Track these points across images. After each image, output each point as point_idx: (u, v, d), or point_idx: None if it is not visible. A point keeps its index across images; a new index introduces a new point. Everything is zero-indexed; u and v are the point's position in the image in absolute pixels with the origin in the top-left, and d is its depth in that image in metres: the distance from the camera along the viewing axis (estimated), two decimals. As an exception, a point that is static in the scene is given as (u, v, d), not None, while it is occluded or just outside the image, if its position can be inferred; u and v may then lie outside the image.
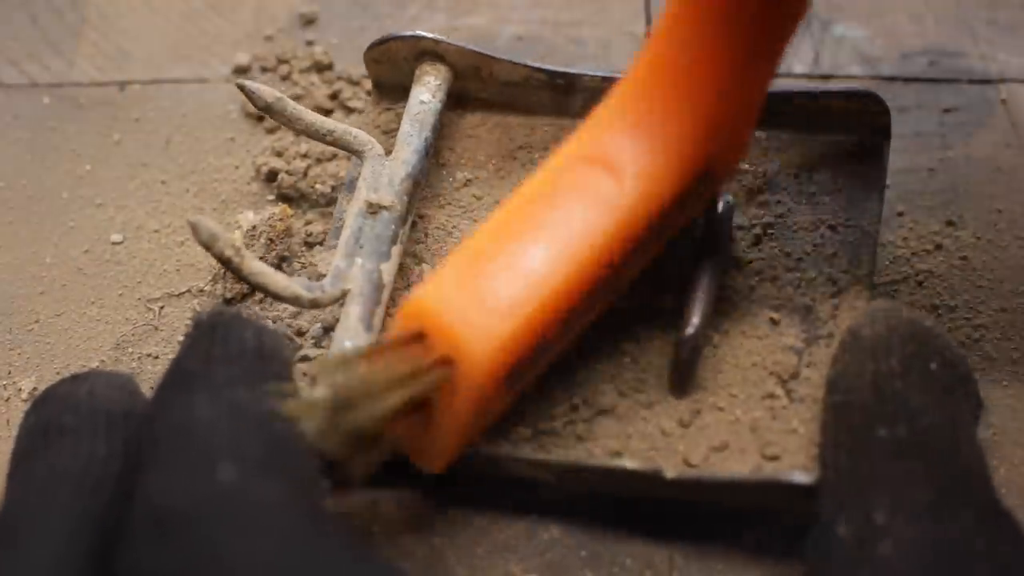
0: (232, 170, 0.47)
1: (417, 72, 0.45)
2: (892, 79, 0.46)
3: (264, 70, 0.50)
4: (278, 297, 0.39)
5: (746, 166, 0.43)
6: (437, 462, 0.36)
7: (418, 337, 0.35)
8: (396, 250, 0.41)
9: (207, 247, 0.38)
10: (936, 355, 0.36)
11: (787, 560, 0.37)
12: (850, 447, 0.34)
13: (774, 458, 0.37)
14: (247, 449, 0.31)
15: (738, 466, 0.37)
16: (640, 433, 0.38)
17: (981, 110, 0.47)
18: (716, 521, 0.38)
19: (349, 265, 0.40)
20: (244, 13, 0.52)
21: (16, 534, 0.31)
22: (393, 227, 0.41)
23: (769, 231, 0.42)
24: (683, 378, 0.38)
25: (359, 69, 0.49)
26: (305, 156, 0.46)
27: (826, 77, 0.48)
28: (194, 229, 0.38)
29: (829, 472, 0.34)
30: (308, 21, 0.51)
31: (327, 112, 0.48)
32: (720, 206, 0.40)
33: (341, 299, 0.40)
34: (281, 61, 0.50)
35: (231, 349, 0.34)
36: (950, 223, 0.44)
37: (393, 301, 0.41)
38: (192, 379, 0.33)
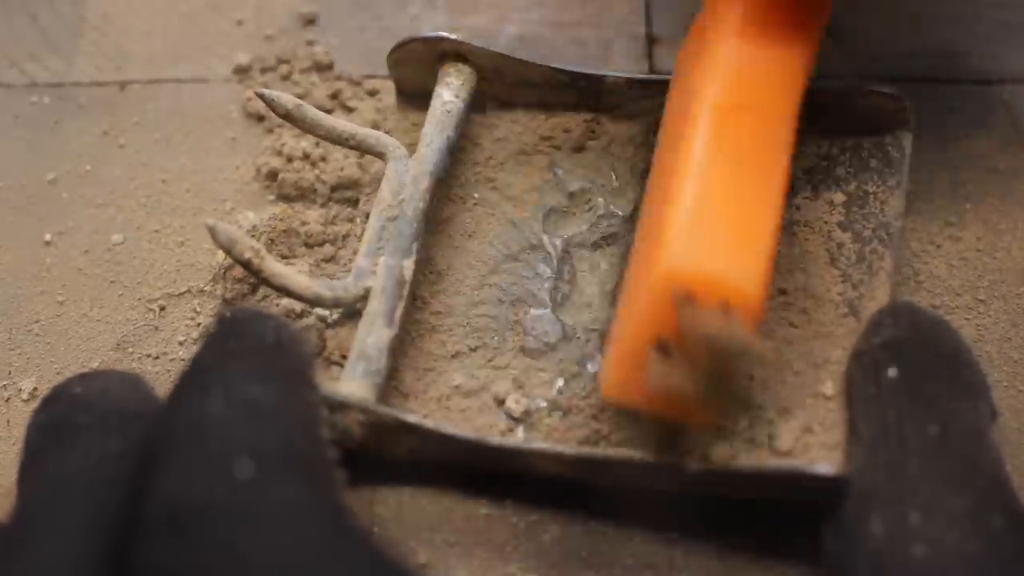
0: (232, 170, 0.47)
1: (440, 73, 0.45)
2: (892, 79, 0.46)
3: (264, 70, 0.50)
4: (300, 298, 0.39)
5: None
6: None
7: (688, 300, 0.34)
8: (417, 247, 0.41)
9: (226, 251, 0.38)
10: (960, 358, 0.36)
11: (787, 560, 0.37)
12: (883, 444, 0.34)
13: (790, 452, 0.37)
14: (263, 444, 0.31)
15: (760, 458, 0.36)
16: (661, 425, 0.38)
17: (981, 110, 0.47)
18: (716, 521, 0.38)
19: (372, 263, 0.40)
20: (244, 13, 0.52)
21: (30, 531, 0.31)
22: (415, 224, 0.41)
23: (790, 229, 0.42)
24: None
25: (359, 69, 0.49)
26: (305, 156, 0.46)
27: (826, 77, 0.48)
28: (212, 233, 0.38)
29: (859, 467, 0.34)
30: (308, 21, 0.51)
31: (326, 112, 0.48)
32: None
33: (363, 298, 0.40)
34: (281, 61, 0.50)
35: (247, 344, 0.34)
36: (950, 223, 0.44)
37: (413, 297, 0.41)
38: (207, 375, 0.33)
